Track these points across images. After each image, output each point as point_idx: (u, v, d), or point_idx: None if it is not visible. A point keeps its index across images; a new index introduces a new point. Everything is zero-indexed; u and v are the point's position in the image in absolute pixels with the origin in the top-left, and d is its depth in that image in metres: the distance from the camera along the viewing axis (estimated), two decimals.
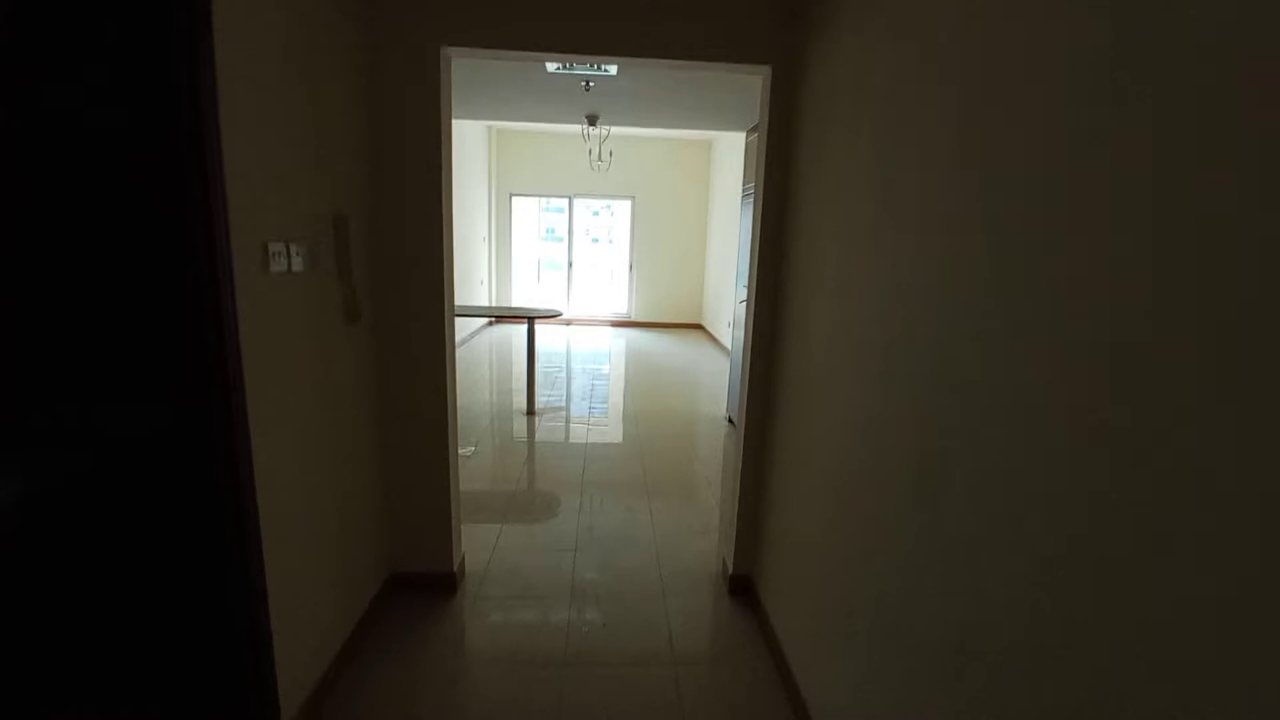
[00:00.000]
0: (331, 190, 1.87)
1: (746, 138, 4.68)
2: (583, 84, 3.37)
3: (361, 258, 2.08)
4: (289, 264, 1.61)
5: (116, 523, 1.45)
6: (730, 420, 5.00)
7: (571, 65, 2.94)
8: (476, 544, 2.91)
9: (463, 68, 3.22)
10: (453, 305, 2.39)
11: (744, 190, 4.68)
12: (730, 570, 2.59)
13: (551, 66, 2.99)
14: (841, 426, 1.68)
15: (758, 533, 2.50)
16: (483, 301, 9.21)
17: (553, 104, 3.94)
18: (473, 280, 8.59)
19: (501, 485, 3.72)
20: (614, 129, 8.04)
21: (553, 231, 12.95)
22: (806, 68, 2.07)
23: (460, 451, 4.12)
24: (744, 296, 4.12)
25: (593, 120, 4.37)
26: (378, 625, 2.26)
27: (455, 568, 2.51)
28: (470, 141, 8.13)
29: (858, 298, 1.60)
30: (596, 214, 18.93)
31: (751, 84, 3.43)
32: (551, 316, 4.94)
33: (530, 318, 4.92)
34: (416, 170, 2.16)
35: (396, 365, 2.28)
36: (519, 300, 10.64)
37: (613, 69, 3.01)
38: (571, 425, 4.90)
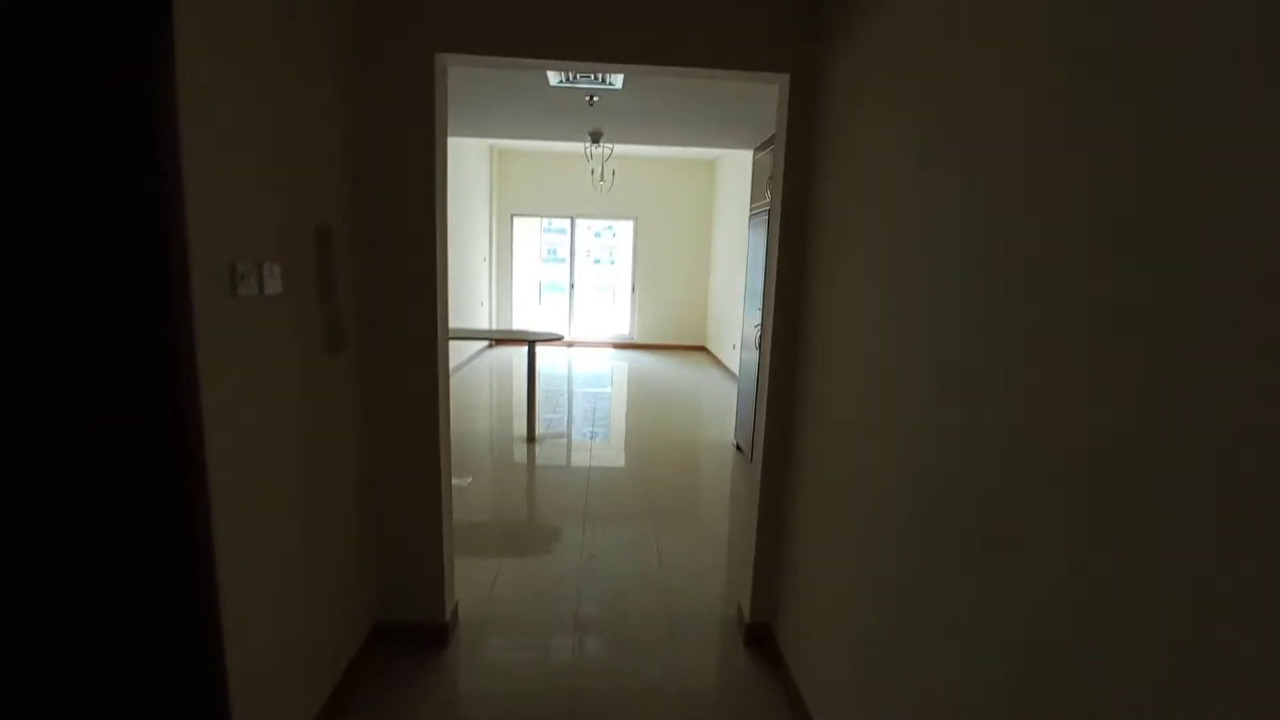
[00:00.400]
0: (315, 204, 1.71)
1: (754, 155, 4.56)
2: (587, 98, 3.24)
3: (348, 279, 1.91)
4: (260, 286, 1.43)
5: (42, 582, 1.25)
6: (738, 447, 4.79)
7: (575, 78, 2.81)
8: (472, 584, 2.70)
9: (463, 82, 3.09)
10: (447, 329, 2.21)
11: (752, 209, 4.54)
12: (747, 618, 2.38)
13: (554, 79, 2.86)
14: (884, 465, 1.49)
15: (778, 578, 2.29)
16: (483, 323, 9.06)
17: (556, 120, 3.81)
18: (473, 302, 8.44)
19: (500, 518, 3.51)
20: (617, 148, 7.96)
21: (554, 252, 12.87)
22: (828, 73, 1.92)
23: (456, 482, 3.92)
24: (759, 320, 3.97)
25: (596, 137, 4.25)
26: (360, 689, 2.04)
27: (448, 616, 2.30)
28: (471, 160, 8.05)
29: (903, 320, 1.42)
30: (599, 235, 18.88)
31: (761, 98, 3.31)
32: (553, 340, 4.77)
33: (531, 341, 4.75)
34: (410, 184, 2.00)
35: (385, 397, 2.10)
36: (520, 322, 10.49)
37: (618, 82, 2.88)
38: (573, 452, 4.70)
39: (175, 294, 1.16)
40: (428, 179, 2.00)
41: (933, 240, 1.29)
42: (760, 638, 2.35)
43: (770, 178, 4.00)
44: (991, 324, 1.07)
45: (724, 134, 4.13)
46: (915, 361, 1.34)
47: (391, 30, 1.92)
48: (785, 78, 2.08)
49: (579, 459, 4.54)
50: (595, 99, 3.24)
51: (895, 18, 1.49)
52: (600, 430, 5.37)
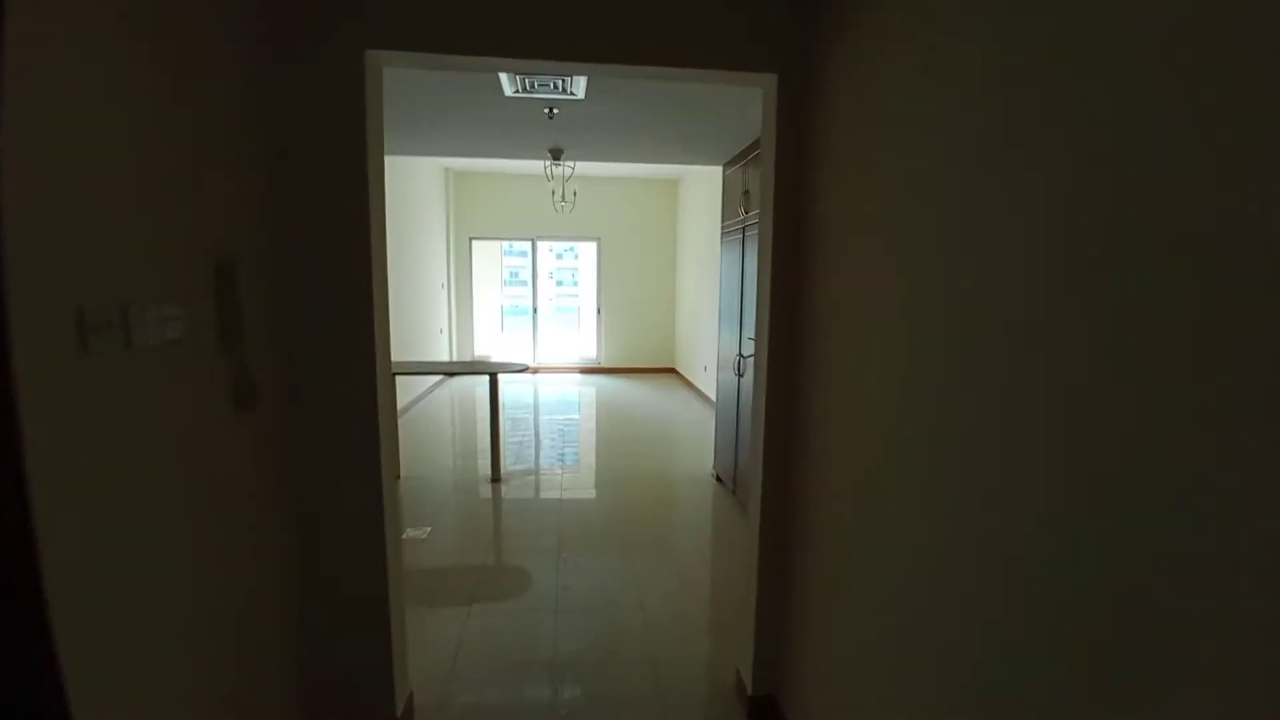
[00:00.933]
0: (217, 232, 1.38)
1: (724, 171, 4.36)
2: (546, 111, 2.97)
3: (263, 320, 1.57)
4: (128, 335, 1.09)
5: None
6: (719, 478, 4.52)
7: (533, 86, 2.54)
8: (430, 661, 2.33)
9: (407, 93, 2.79)
10: (390, 372, 1.89)
11: (724, 228, 4.33)
12: (749, 690, 2.08)
13: (509, 89, 2.59)
14: (926, 530, 1.22)
15: (785, 644, 2.00)
16: (443, 352, 8.63)
17: (513, 136, 3.53)
18: (430, 330, 8.03)
19: (463, 574, 3.14)
20: (578, 168, 7.73)
21: (516, 275, 12.51)
22: (827, 68, 1.68)
23: (413, 534, 3.54)
24: (742, 343, 3.73)
25: (556, 155, 3.98)
26: None
27: (399, 712, 1.93)
28: (424, 183, 7.70)
29: (945, 341, 1.17)
30: (561, 256, 18.50)
31: (731, 111, 3.10)
32: (516, 370, 4.44)
33: (493, 373, 4.40)
34: (340, 206, 1.68)
35: (313, 456, 1.75)
36: (483, 349, 10.09)
37: (580, 90, 2.62)
38: (543, 490, 4.35)
39: None
40: (360, 199, 1.69)
41: (995, 259, 1.04)
42: (767, 714, 2.05)
43: (745, 193, 3.80)
44: (1072, 363, 0.82)
45: (692, 149, 3.92)
46: (966, 397, 1.09)
47: (313, 24, 1.61)
48: (773, 78, 1.84)
49: (549, 499, 4.19)
50: (555, 111, 2.97)
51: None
52: (571, 465, 5.03)
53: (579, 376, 9.40)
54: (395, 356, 6.61)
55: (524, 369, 4.50)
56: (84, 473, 1.00)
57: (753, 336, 3.12)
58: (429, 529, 3.67)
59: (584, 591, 2.95)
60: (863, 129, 1.49)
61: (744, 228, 3.80)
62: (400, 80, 2.61)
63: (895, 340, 1.35)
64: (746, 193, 3.75)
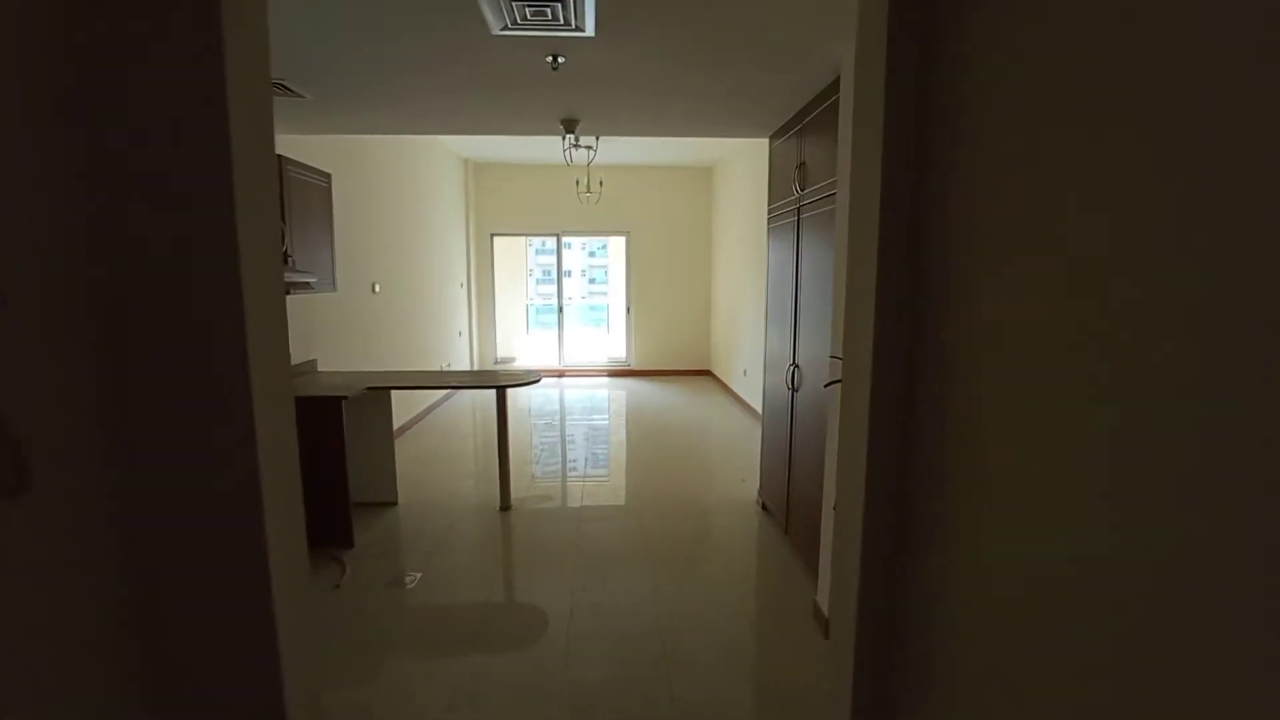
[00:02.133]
0: None
1: (772, 144, 3.65)
2: (548, 60, 2.32)
3: (40, 365, 0.96)
4: None
5: None
6: (764, 507, 3.82)
7: (526, 17, 1.90)
8: None
9: (352, 39, 2.18)
10: (288, 413, 1.27)
11: (771, 211, 3.62)
12: None
13: (495, 23, 1.95)
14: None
15: None
16: (463, 357, 8.12)
17: (511, 99, 2.89)
18: (448, 333, 7.51)
19: (448, 647, 2.52)
20: (604, 155, 7.09)
21: (549, 273, 11.95)
22: None
23: (405, 581, 2.95)
24: (808, 356, 2.99)
25: (570, 127, 3.34)
26: None
27: None
28: (442, 175, 7.17)
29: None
30: (594, 254, 17.90)
31: (782, 60, 2.41)
32: (529, 383, 3.82)
33: (501, 387, 3.79)
34: (178, 169, 1.06)
35: (146, 555, 1.13)
36: (506, 352, 9.56)
37: (588, 23, 1.96)
38: (559, 522, 3.72)
39: None
40: (217, 159, 1.06)
41: None
42: None
43: (800, 166, 3.09)
44: None
45: (732, 114, 3.22)
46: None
47: None
48: None
49: (565, 534, 3.56)
50: (560, 59, 2.32)
51: None
52: (593, 486, 4.40)
53: (608, 380, 8.78)
54: (408, 363, 6.12)
55: (535, 380, 3.87)
56: None
57: (833, 356, 2.42)
58: (418, 575, 3.08)
59: (603, 682, 2.31)
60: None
61: (798, 209, 3.09)
62: (339, 25, 2.00)
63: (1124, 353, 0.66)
64: (802, 165, 3.04)
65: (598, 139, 5.99)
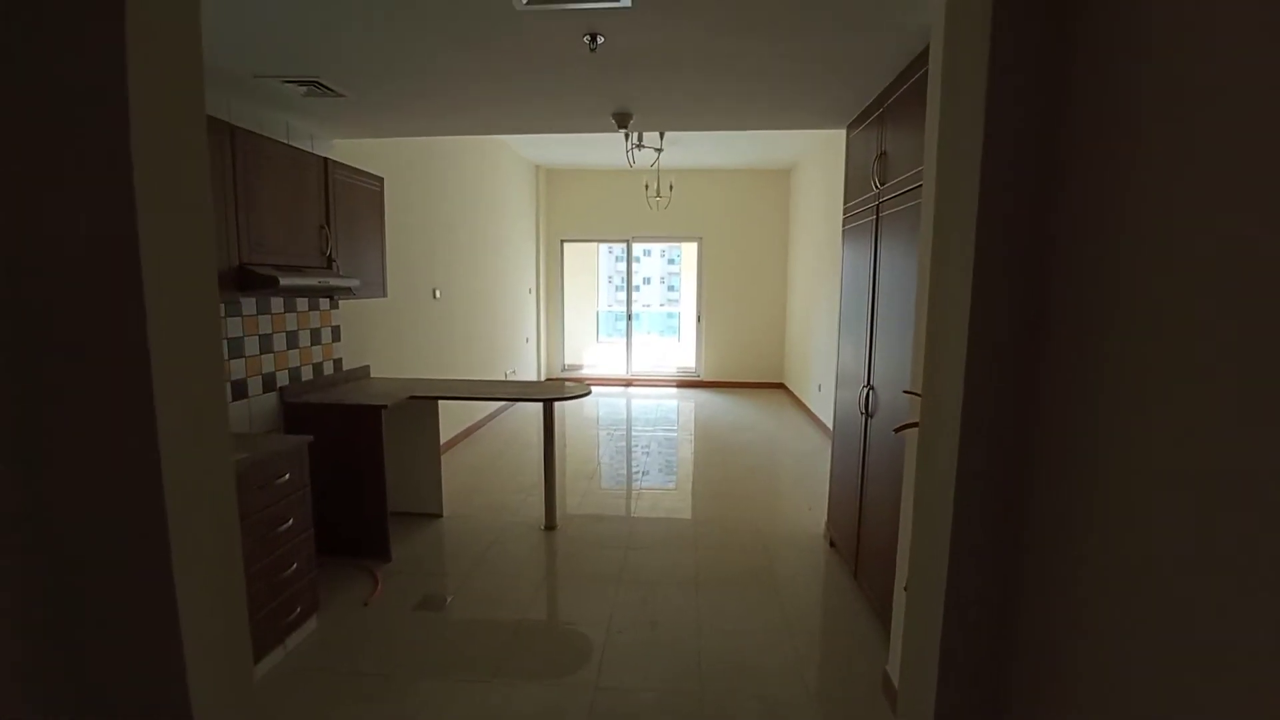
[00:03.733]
0: None
1: (849, 134, 3.25)
2: (585, 39, 2.08)
3: None
4: None
5: None
6: (832, 543, 3.40)
7: None
8: None
9: (355, 28, 2.02)
10: (223, 432, 1.06)
11: (847, 212, 3.22)
12: None
13: None
14: None
15: None
16: (530, 364, 8.07)
17: (553, 86, 2.65)
18: (515, 340, 7.48)
19: (474, 672, 2.30)
20: (673, 159, 6.83)
21: (620, 280, 11.84)
22: None
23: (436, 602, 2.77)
24: (883, 378, 2.57)
25: (624, 120, 3.08)
26: None
27: None
28: (514, 182, 7.16)
29: None
30: (674, 261, 17.63)
31: (860, 36, 2.04)
32: (577, 396, 3.59)
33: (547, 399, 3.58)
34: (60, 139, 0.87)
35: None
36: (574, 359, 9.47)
37: None
38: (606, 548, 3.46)
39: None
40: (112, 141, 0.87)
41: None
42: None
43: (879, 157, 2.68)
44: None
45: (798, 96, 2.84)
46: None
47: None
48: None
49: (610, 560, 3.29)
50: (599, 39, 2.07)
51: None
52: (646, 507, 4.11)
53: (676, 390, 8.47)
54: (470, 371, 6.07)
55: (585, 394, 3.63)
56: None
57: (908, 391, 2.03)
58: (451, 594, 2.91)
59: None
60: None
61: (877, 206, 2.69)
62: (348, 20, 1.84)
63: None
64: (882, 156, 2.64)
65: (662, 138, 5.74)
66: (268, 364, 3.08)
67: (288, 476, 2.33)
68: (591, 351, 10.68)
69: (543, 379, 8.61)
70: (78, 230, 0.87)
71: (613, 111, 3.05)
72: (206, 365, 1.01)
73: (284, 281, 2.53)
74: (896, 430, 1.98)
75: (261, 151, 2.55)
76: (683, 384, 8.75)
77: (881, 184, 2.63)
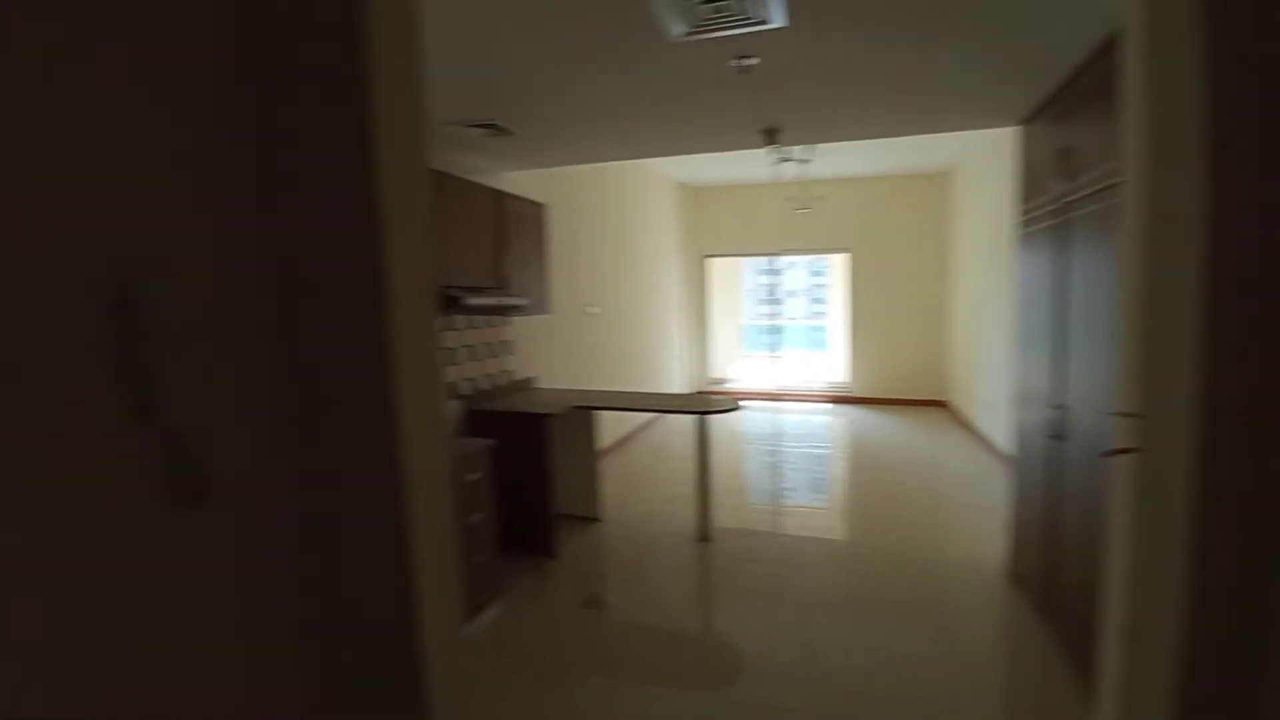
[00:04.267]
0: (112, 236, 0.87)
1: (1022, 132, 2.99)
2: (734, 63, 2.13)
3: (216, 365, 1.04)
4: None
5: None
6: (1014, 579, 3.08)
7: (708, 18, 1.74)
8: None
9: (518, 66, 2.22)
10: (445, 431, 1.24)
11: (1024, 214, 2.95)
12: None
13: (676, 27, 1.82)
14: None
15: None
16: (674, 379, 8.24)
17: (698, 110, 2.73)
18: (661, 355, 7.68)
19: (633, 673, 2.40)
20: (819, 169, 6.66)
21: (771, 294, 11.72)
22: None
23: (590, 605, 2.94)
24: (1085, 400, 2.25)
25: (772, 136, 3.09)
26: None
27: None
28: (657, 200, 7.41)
29: None
30: (819, 273, 17.06)
31: (1036, 25, 1.87)
32: (726, 410, 3.62)
33: (700, 412, 3.65)
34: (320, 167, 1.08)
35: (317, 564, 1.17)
36: (720, 373, 9.50)
37: (777, 15, 1.73)
38: (759, 563, 3.43)
39: None
40: (364, 182, 1.07)
41: None
42: None
43: (1061, 153, 2.43)
44: None
45: (959, 103, 2.67)
46: None
47: None
48: None
49: (763, 576, 3.26)
50: (749, 62, 2.12)
51: None
52: (799, 528, 4.02)
53: (826, 406, 8.17)
54: (623, 383, 6.35)
55: (733, 408, 3.65)
56: None
57: (1118, 412, 1.82)
58: (611, 599, 3.05)
59: None
60: None
61: (1066, 206, 2.44)
62: (504, 45, 2.03)
63: None
64: (1067, 152, 2.40)
65: (808, 150, 5.62)
66: (453, 374, 3.48)
67: (478, 474, 2.61)
68: (737, 365, 10.63)
69: (688, 392, 8.73)
70: (339, 261, 1.08)
71: (761, 129, 3.07)
72: (432, 376, 1.19)
73: (470, 301, 2.85)
74: (1106, 455, 1.77)
75: (448, 187, 2.92)
76: (833, 399, 8.42)
77: (1071, 181, 2.38)
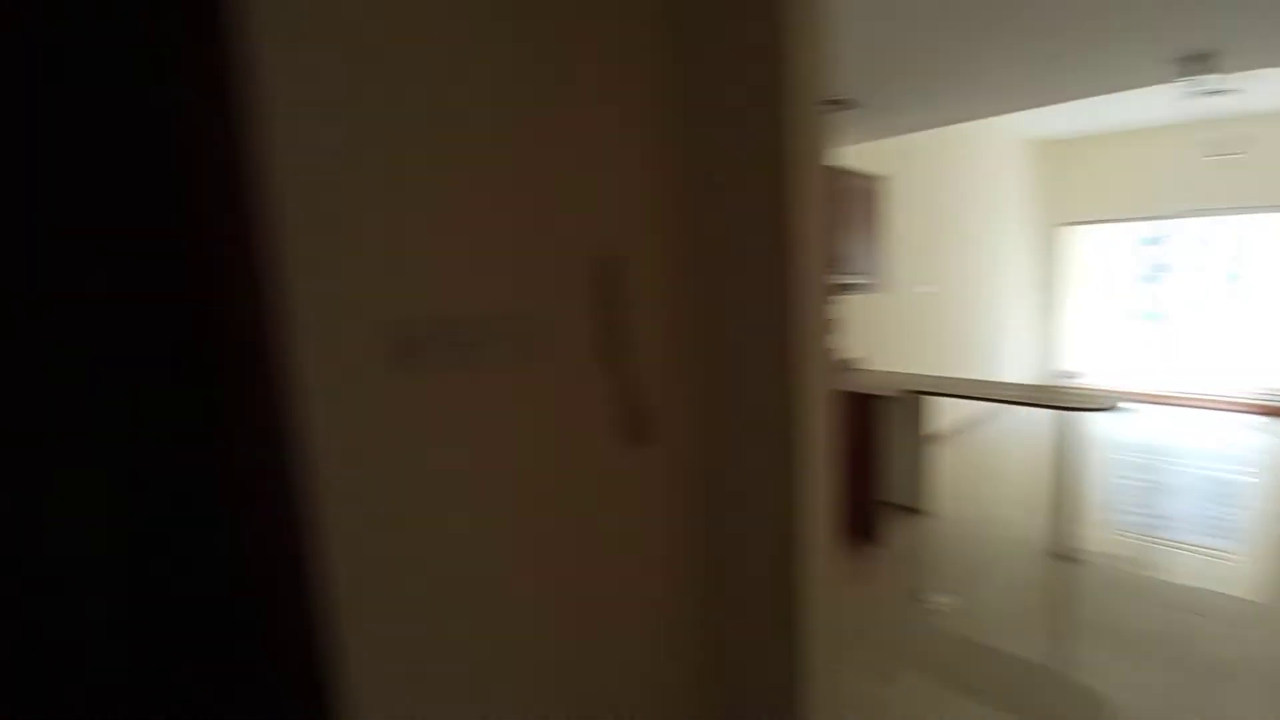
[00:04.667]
0: (596, 225, 1.16)
1: None
2: None
3: (657, 335, 1.29)
4: (461, 354, 0.95)
5: None
6: None
7: None
8: None
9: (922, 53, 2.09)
10: (824, 406, 1.33)
11: None
12: None
13: None
14: None
15: None
16: (1018, 366, 7.14)
17: (1102, 37, 2.27)
18: (1004, 339, 6.75)
19: (972, 692, 2.22)
20: (1247, 99, 4.95)
21: (1155, 271, 9.31)
22: None
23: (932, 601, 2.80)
24: None
25: (1196, 66, 2.38)
26: None
27: None
28: (1002, 165, 6.45)
29: None
30: (1233, 241, 12.73)
31: None
32: (1103, 408, 3.02)
33: (1067, 408, 3.13)
34: (743, 172, 1.23)
35: (729, 513, 1.37)
36: (1076, 364, 7.90)
37: None
38: (1143, 597, 2.82)
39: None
40: (774, 158, 1.19)
41: None
42: None
43: None
44: None
45: None
46: None
47: None
48: None
49: (1151, 612, 2.67)
50: None
51: None
52: (1205, 562, 3.15)
53: (1248, 418, 6.17)
54: (953, 368, 5.78)
55: (1111, 407, 3.02)
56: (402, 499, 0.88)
57: None
58: (948, 599, 2.85)
59: None
60: None
61: None
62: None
63: None
64: None
65: (1245, 77, 4.20)
66: None
67: None
68: (1098, 356, 8.71)
69: (1037, 384, 7.49)
70: (753, 249, 1.23)
71: (1179, 56, 2.43)
72: (822, 347, 1.29)
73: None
74: None
75: None
76: (1259, 409, 6.30)
77: None
